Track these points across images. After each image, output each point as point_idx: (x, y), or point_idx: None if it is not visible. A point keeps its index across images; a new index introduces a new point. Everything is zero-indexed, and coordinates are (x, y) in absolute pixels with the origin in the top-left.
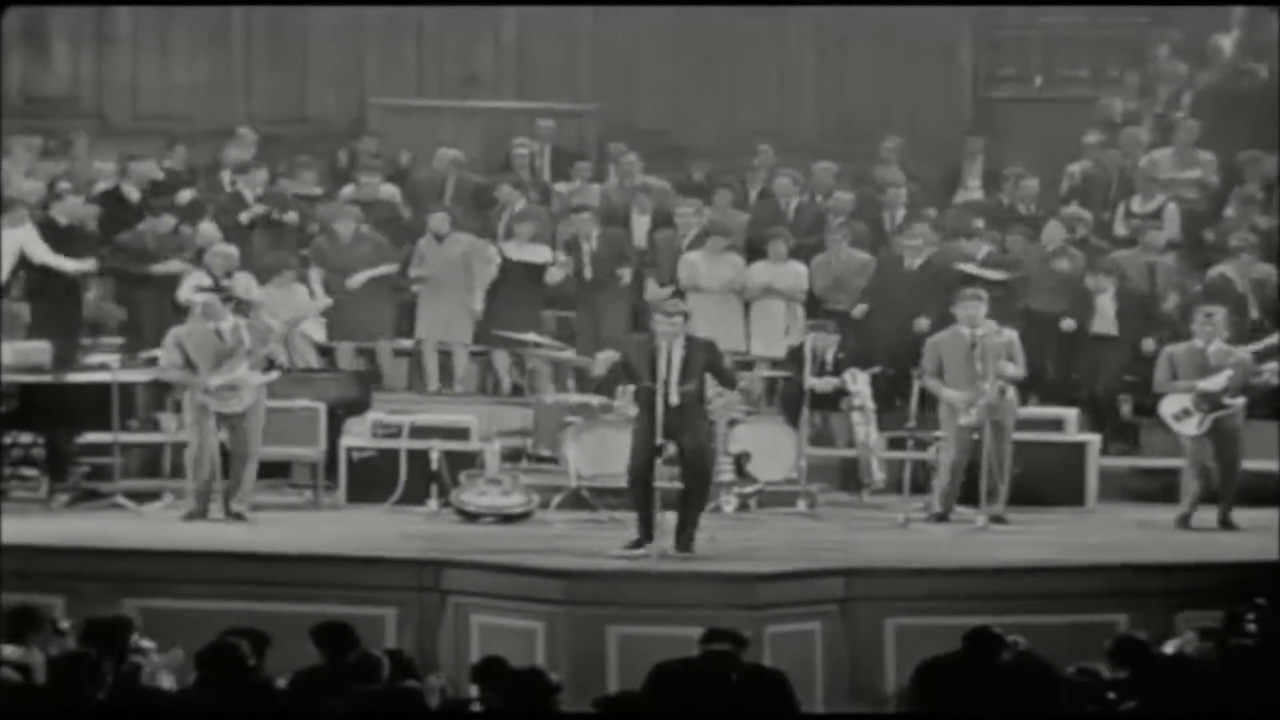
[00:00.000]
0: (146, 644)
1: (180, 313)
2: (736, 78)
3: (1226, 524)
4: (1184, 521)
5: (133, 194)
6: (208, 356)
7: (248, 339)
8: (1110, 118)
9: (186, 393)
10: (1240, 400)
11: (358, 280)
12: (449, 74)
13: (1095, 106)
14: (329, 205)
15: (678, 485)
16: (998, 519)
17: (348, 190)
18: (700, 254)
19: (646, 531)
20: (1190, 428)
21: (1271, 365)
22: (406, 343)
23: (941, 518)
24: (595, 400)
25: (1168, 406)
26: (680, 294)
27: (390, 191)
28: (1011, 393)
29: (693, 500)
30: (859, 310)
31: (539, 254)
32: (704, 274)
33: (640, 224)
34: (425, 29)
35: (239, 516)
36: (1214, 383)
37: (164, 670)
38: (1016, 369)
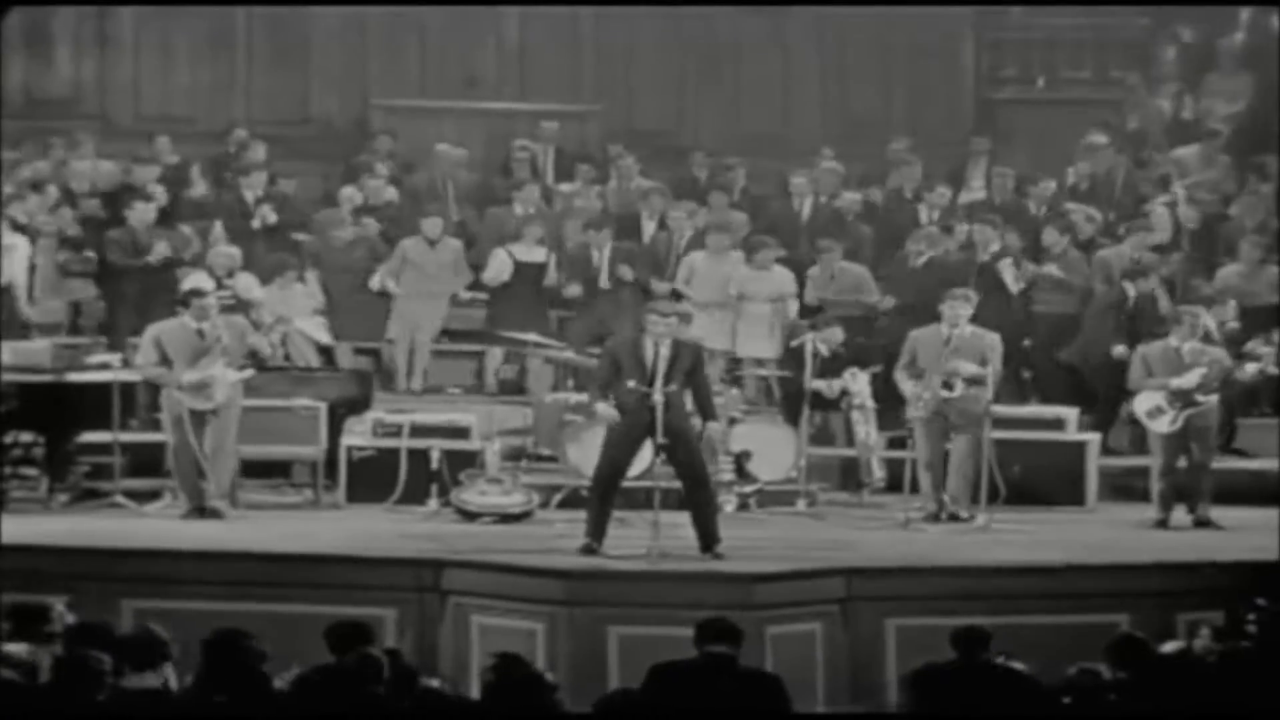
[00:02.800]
0: None
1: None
2: (738, 79)
3: (1203, 523)
4: (1163, 525)
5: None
6: (185, 354)
7: (225, 337)
8: (1163, 118)
9: (164, 391)
10: (1213, 398)
11: (374, 283)
12: (451, 75)
13: (1150, 108)
14: (325, 211)
15: (675, 486)
16: (954, 516)
17: (347, 191)
18: (702, 254)
19: (598, 534)
20: (1163, 425)
21: (1254, 360)
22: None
23: (935, 516)
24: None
25: (1141, 404)
26: (678, 294)
27: (393, 194)
28: (962, 387)
29: (702, 503)
30: (887, 303)
31: (539, 255)
32: (702, 274)
33: (648, 229)
34: (427, 30)
35: (215, 514)
36: (1187, 380)
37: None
38: (973, 368)
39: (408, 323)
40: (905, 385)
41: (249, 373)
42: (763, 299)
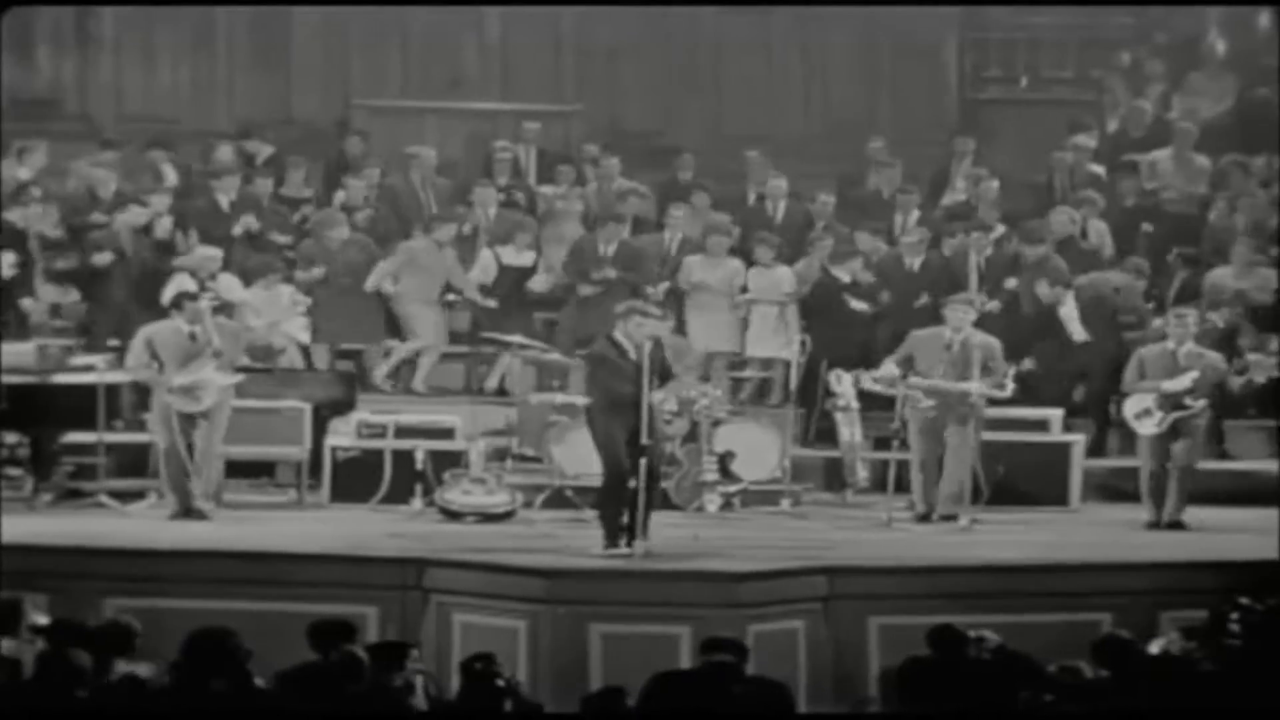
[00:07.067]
0: None
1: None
2: (722, 79)
3: (1176, 525)
4: (1155, 525)
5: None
6: (176, 356)
7: (217, 340)
8: (1145, 119)
9: (154, 393)
10: (1202, 402)
11: (371, 283)
12: (433, 76)
13: (1132, 110)
14: (321, 211)
15: (662, 485)
16: (946, 517)
17: (342, 196)
18: (701, 256)
19: (613, 537)
20: (1149, 427)
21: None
22: (395, 345)
23: (924, 517)
24: (580, 400)
25: (1131, 406)
26: (675, 295)
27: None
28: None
29: (652, 497)
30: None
31: (527, 259)
32: (703, 275)
33: (624, 229)
34: (409, 31)
35: (200, 515)
36: (1178, 383)
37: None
38: (991, 386)
39: (413, 326)
40: (883, 369)
41: (239, 377)
42: (773, 297)
